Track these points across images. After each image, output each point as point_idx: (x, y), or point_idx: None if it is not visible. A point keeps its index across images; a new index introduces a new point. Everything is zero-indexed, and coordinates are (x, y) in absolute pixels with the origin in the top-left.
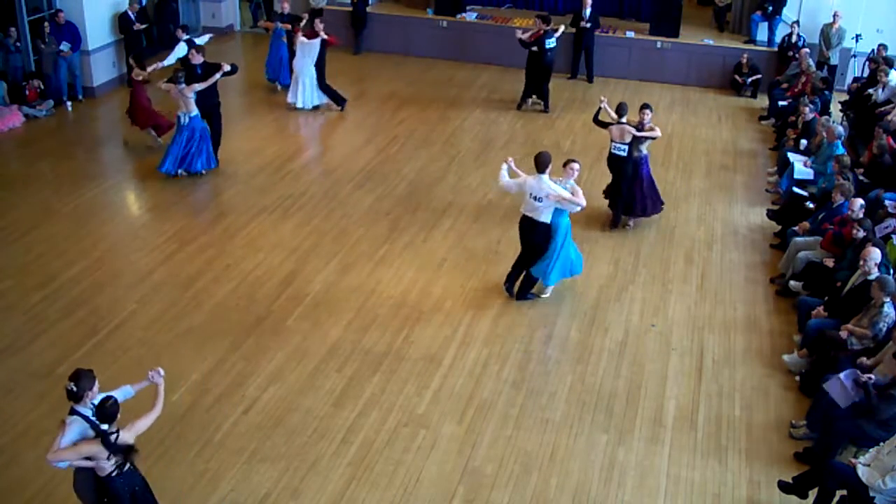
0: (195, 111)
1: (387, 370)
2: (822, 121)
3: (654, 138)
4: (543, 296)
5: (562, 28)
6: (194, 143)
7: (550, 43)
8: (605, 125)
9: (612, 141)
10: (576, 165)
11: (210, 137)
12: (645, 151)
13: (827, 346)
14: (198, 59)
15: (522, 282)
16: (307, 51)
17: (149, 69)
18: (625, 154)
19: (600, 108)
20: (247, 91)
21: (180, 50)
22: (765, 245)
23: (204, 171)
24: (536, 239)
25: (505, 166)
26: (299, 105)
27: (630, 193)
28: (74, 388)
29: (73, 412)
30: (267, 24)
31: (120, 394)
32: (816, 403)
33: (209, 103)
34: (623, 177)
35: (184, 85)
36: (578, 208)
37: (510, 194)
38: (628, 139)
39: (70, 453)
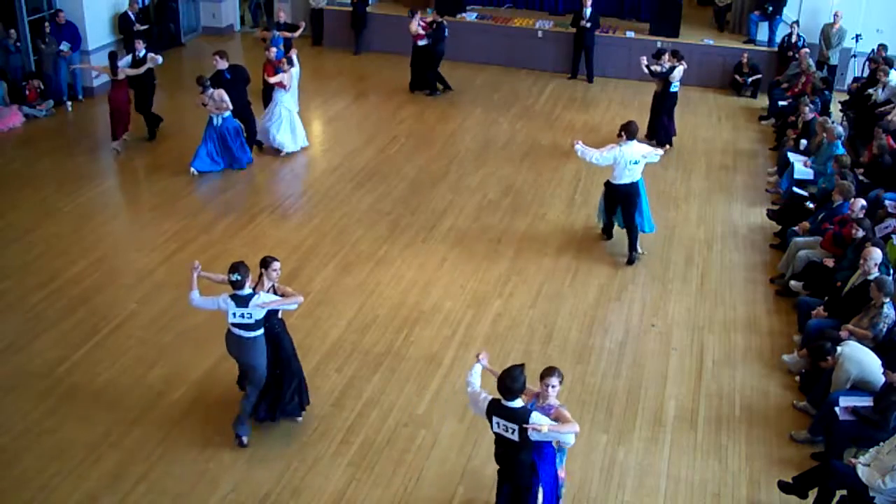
0: (228, 112)
1: (387, 370)
2: (822, 121)
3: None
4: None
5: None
6: (236, 140)
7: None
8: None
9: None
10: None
11: (243, 135)
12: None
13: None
14: (222, 65)
15: (631, 241)
16: (289, 83)
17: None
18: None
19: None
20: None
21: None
22: (765, 245)
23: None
24: (634, 199)
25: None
26: (294, 148)
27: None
28: (239, 278)
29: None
30: (263, 34)
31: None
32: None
33: (241, 104)
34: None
35: (212, 90)
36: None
37: (508, 196)
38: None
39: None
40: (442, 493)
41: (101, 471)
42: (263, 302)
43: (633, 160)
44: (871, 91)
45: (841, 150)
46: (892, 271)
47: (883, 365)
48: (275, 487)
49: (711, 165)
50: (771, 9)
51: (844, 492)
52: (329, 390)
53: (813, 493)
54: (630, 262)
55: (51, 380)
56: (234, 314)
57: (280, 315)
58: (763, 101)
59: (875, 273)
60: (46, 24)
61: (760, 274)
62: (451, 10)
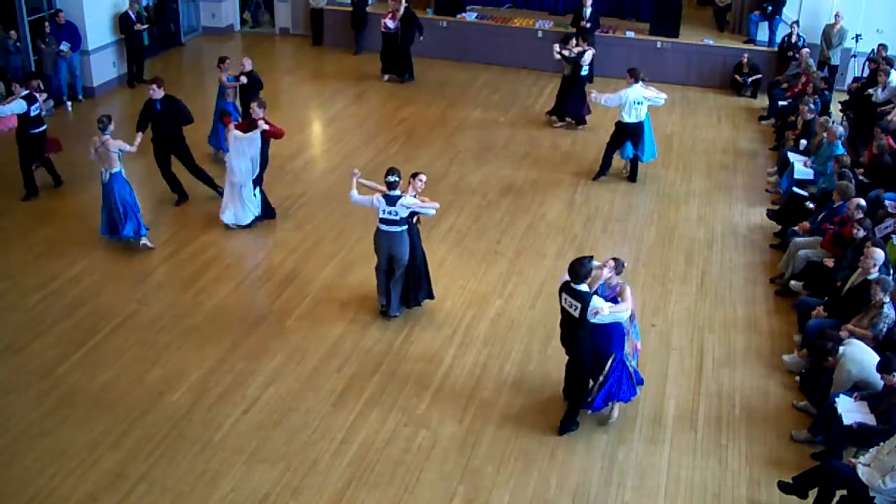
0: (118, 167)
1: (387, 370)
2: (822, 121)
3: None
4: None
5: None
6: (125, 204)
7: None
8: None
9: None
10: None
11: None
12: None
13: (820, 354)
14: (157, 94)
15: (634, 169)
16: (243, 148)
17: None
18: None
19: None
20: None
21: (17, 106)
22: (765, 245)
23: (141, 239)
24: (640, 135)
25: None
26: (241, 223)
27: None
28: (396, 179)
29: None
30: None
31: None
32: (819, 415)
33: (174, 142)
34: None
35: (108, 136)
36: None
37: (508, 196)
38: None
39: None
40: (442, 493)
41: (101, 471)
42: (408, 203)
43: (636, 100)
44: (871, 91)
45: (841, 150)
46: (892, 271)
47: (878, 366)
48: (275, 487)
49: (711, 165)
50: (771, 9)
51: (844, 492)
52: (329, 390)
53: (813, 493)
54: (632, 180)
55: (51, 380)
56: (384, 211)
57: (416, 222)
58: (763, 101)
59: (875, 273)
60: (46, 24)
61: (760, 274)
62: (451, 9)
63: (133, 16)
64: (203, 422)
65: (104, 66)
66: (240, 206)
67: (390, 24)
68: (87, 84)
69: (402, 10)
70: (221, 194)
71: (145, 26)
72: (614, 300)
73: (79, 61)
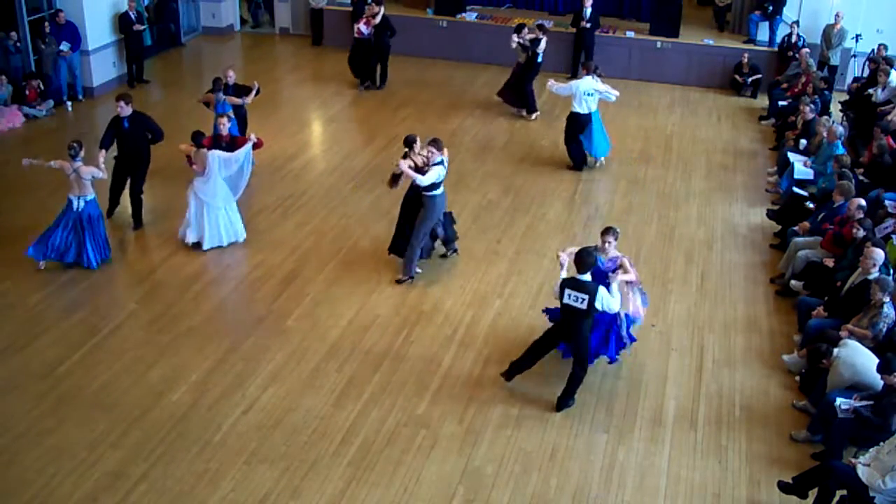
0: (92, 194)
1: (387, 370)
2: (822, 121)
3: None
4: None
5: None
6: (95, 229)
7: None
8: None
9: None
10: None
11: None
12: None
13: (816, 358)
14: (125, 111)
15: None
16: (229, 167)
17: None
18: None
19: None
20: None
21: None
22: (765, 245)
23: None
24: (590, 126)
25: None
26: (214, 244)
27: None
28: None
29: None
30: (207, 98)
31: None
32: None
33: (143, 163)
34: None
35: (80, 162)
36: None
37: (508, 196)
38: None
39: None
40: (442, 493)
41: (101, 471)
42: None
43: (587, 91)
44: (871, 91)
45: (841, 150)
46: (892, 271)
47: (878, 367)
48: (275, 487)
49: (711, 165)
50: (771, 9)
51: (844, 492)
52: (329, 390)
53: (813, 493)
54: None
55: (51, 380)
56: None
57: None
58: (763, 101)
59: (875, 273)
60: (46, 24)
61: (760, 274)
62: (451, 9)
63: (132, 16)
64: (203, 422)
65: (104, 66)
66: (215, 228)
67: (364, 29)
68: (86, 84)
69: (380, 15)
70: (135, 228)
71: (144, 26)
72: (614, 271)
73: (79, 61)
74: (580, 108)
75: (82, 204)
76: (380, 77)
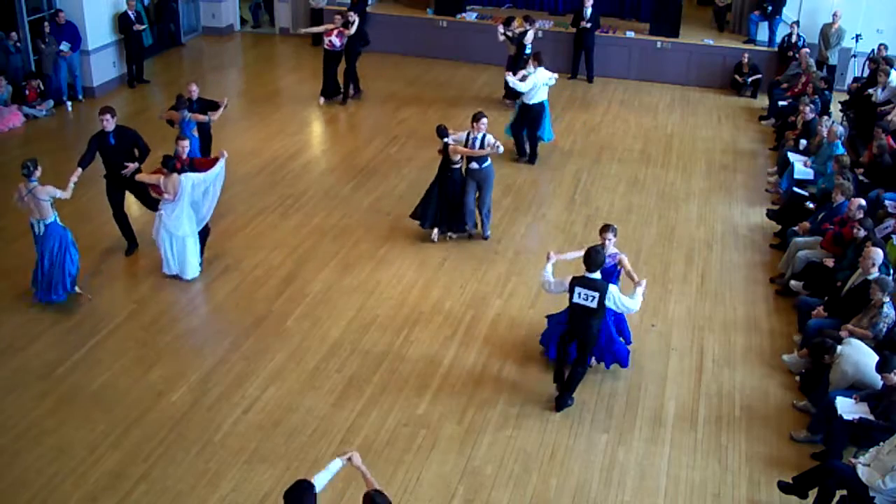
0: (52, 216)
1: (387, 370)
2: (822, 121)
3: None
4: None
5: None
6: (60, 263)
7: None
8: None
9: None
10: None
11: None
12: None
13: (820, 351)
14: (109, 125)
15: (533, 149)
16: (196, 191)
17: None
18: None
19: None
20: (245, 91)
21: None
22: (765, 245)
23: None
24: (541, 116)
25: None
26: (184, 276)
27: None
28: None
29: None
30: (171, 115)
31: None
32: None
33: (128, 179)
34: None
35: (35, 182)
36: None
37: (508, 196)
38: None
39: None
40: (442, 493)
41: (101, 471)
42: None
43: (544, 82)
44: (871, 91)
45: (841, 150)
46: (892, 271)
47: (876, 366)
48: (275, 487)
49: (711, 165)
50: (771, 9)
51: (844, 492)
52: (329, 390)
53: (813, 493)
54: (531, 161)
55: (51, 380)
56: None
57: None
58: (763, 101)
59: (875, 273)
60: (46, 24)
61: (760, 274)
62: (451, 9)
63: (132, 15)
64: (203, 422)
65: (104, 66)
66: (181, 259)
67: (336, 42)
68: (87, 84)
69: (355, 25)
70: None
71: (144, 26)
72: (613, 267)
73: (79, 61)
74: (533, 100)
75: (42, 229)
76: (353, 87)
